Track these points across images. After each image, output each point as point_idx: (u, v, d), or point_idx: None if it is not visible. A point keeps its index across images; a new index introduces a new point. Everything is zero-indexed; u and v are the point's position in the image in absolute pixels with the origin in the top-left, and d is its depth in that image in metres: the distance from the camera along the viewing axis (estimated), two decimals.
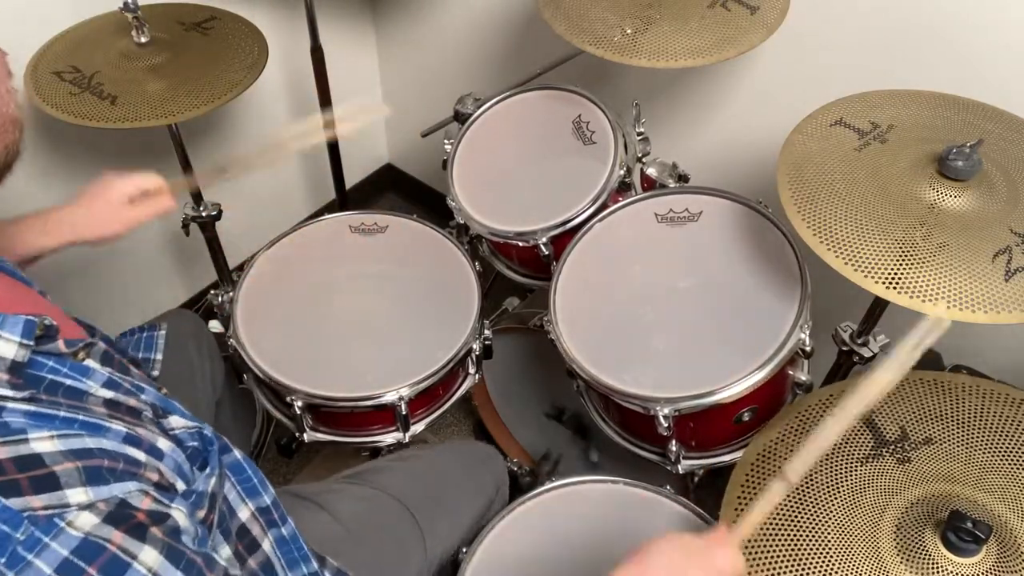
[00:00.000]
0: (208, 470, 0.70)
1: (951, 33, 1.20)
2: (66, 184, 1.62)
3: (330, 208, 2.17)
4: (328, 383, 1.19)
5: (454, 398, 1.31)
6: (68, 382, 0.63)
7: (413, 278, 1.34)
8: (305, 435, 1.25)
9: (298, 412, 1.20)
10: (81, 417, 0.59)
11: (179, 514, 0.61)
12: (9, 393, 0.57)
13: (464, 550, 1.06)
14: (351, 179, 2.10)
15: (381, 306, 1.31)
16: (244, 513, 0.80)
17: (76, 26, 1.37)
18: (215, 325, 1.65)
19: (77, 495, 0.54)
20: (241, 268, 1.36)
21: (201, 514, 0.66)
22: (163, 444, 0.65)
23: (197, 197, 1.54)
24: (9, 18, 1.38)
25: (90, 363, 0.67)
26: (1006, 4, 1.13)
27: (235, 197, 1.83)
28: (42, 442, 0.55)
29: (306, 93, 1.85)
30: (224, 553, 0.75)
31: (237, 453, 0.81)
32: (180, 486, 0.64)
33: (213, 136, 1.84)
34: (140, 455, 0.60)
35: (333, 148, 1.78)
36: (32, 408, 0.57)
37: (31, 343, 0.60)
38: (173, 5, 1.44)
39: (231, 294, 1.31)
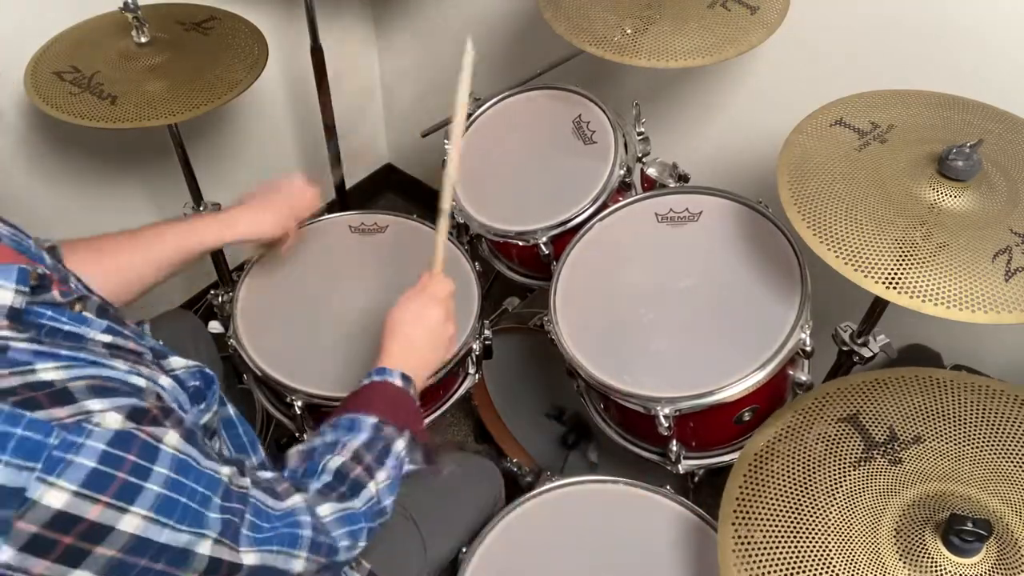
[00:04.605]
0: (204, 405, 0.73)
1: (951, 33, 1.20)
2: (67, 184, 1.62)
3: (330, 208, 2.16)
4: (328, 383, 1.19)
5: (454, 398, 1.31)
6: (68, 327, 0.65)
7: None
8: (305, 435, 1.25)
9: (298, 412, 1.20)
10: (83, 356, 0.61)
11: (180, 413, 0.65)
12: (12, 335, 0.59)
13: (464, 550, 1.06)
14: (351, 179, 2.10)
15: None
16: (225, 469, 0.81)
17: (76, 26, 1.37)
18: (215, 325, 1.65)
19: (95, 404, 0.57)
20: (241, 268, 1.36)
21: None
22: (164, 381, 0.67)
23: (197, 197, 1.54)
24: (9, 18, 1.38)
25: (87, 314, 0.69)
26: (1006, 4, 1.13)
27: (235, 197, 1.83)
28: (48, 372, 0.57)
29: (306, 93, 1.85)
30: None
31: (231, 409, 0.84)
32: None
33: (213, 136, 1.84)
34: (141, 382, 0.63)
35: (333, 148, 1.78)
36: (36, 347, 0.59)
37: (27, 290, 0.61)
38: (173, 5, 1.44)
39: (231, 294, 1.30)
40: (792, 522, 0.81)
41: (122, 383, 0.61)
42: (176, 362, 0.75)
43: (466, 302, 1.28)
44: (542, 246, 1.29)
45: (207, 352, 1.30)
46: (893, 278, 0.88)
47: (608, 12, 1.20)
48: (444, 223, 1.03)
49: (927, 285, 0.87)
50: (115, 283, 1.00)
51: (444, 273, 1.04)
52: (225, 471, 0.66)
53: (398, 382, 0.93)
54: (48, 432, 0.53)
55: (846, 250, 0.91)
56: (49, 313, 0.64)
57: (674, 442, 1.14)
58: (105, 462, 0.55)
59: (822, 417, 0.91)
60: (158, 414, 0.61)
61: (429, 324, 0.99)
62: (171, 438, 0.61)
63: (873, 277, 0.89)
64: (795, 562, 0.78)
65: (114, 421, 0.57)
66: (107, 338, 0.68)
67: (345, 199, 1.91)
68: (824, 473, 0.85)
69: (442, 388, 1.28)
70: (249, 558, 0.67)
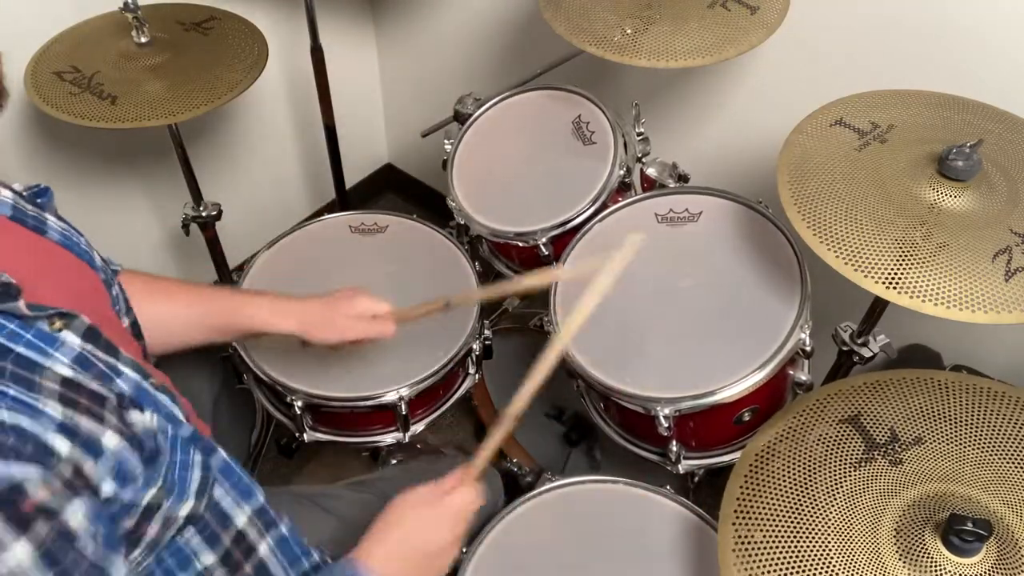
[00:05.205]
0: (141, 480, 0.64)
1: (951, 33, 1.20)
2: (67, 184, 1.62)
3: (330, 208, 2.17)
4: (328, 383, 1.19)
5: (454, 398, 1.31)
6: (21, 350, 0.59)
7: (413, 278, 1.34)
8: (305, 435, 1.25)
9: (298, 412, 1.20)
10: (12, 392, 0.55)
11: (76, 515, 0.55)
12: None
13: (464, 550, 1.06)
14: (351, 179, 2.10)
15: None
16: (240, 518, 0.78)
17: (76, 26, 1.37)
18: None
19: None
20: (241, 268, 1.36)
21: (128, 524, 0.62)
22: (110, 440, 0.60)
23: (197, 197, 1.54)
24: (9, 18, 1.37)
25: (66, 335, 0.63)
26: (1006, 4, 1.13)
27: (235, 197, 1.84)
28: None
29: (306, 93, 1.85)
30: (206, 559, 0.74)
31: (223, 453, 0.78)
32: (107, 489, 0.59)
33: (213, 136, 1.84)
34: (63, 447, 0.55)
35: (333, 148, 1.78)
36: None
37: None
38: (173, 5, 1.44)
39: None
40: (792, 522, 0.81)
41: (32, 442, 0.53)
42: (135, 417, 0.66)
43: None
44: (542, 247, 1.29)
45: (208, 351, 1.30)
46: (893, 278, 0.88)
47: (608, 12, 1.20)
48: (506, 428, 0.90)
49: (927, 285, 0.87)
50: (154, 329, 0.96)
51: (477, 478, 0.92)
52: None
53: None
54: None
55: (846, 250, 0.91)
56: (10, 327, 0.59)
57: (674, 442, 1.14)
58: None
59: (823, 418, 0.91)
60: (30, 511, 0.51)
61: (430, 542, 0.87)
62: (19, 551, 0.49)
63: (873, 277, 0.89)
64: (795, 562, 0.77)
65: None
66: (68, 372, 0.61)
67: (345, 199, 1.91)
68: (825, 473, 0.85)
69: (442, 388, 1.28)
70: None
